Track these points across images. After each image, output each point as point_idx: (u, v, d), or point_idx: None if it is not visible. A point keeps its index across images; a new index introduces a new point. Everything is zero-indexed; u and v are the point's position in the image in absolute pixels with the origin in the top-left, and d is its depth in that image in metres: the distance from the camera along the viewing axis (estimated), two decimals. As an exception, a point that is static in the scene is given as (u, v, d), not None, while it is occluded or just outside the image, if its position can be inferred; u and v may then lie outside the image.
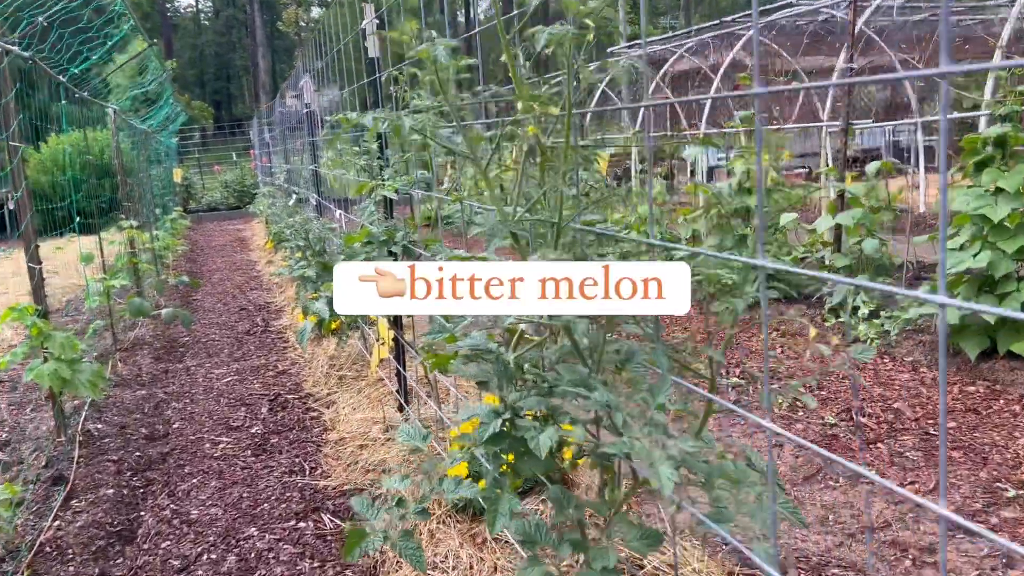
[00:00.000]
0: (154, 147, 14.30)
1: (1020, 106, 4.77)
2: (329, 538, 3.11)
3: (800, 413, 4.14)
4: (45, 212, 6.17)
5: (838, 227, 6.15)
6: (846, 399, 4.29)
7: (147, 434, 4.42)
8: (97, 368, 4.01)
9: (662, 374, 1.38)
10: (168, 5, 46.67)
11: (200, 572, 2.93)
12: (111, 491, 3.66)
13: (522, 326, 1.73)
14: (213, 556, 3.04)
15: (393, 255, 3.33)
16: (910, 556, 2.78)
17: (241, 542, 3.12)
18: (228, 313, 7.82)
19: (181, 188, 20.45)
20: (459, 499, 2.65)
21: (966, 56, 11.21)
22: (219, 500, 3.52)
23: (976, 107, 9.73)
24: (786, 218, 6.38)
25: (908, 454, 3.60)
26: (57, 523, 3.33)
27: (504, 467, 1.70)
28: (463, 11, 37.68)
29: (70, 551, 3.11)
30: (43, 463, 3.93)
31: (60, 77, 5.64)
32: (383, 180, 3.53)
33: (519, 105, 1.35)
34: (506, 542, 2.70)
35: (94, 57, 5.90)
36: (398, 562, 2.73)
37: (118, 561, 3.06)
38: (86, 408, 4.67)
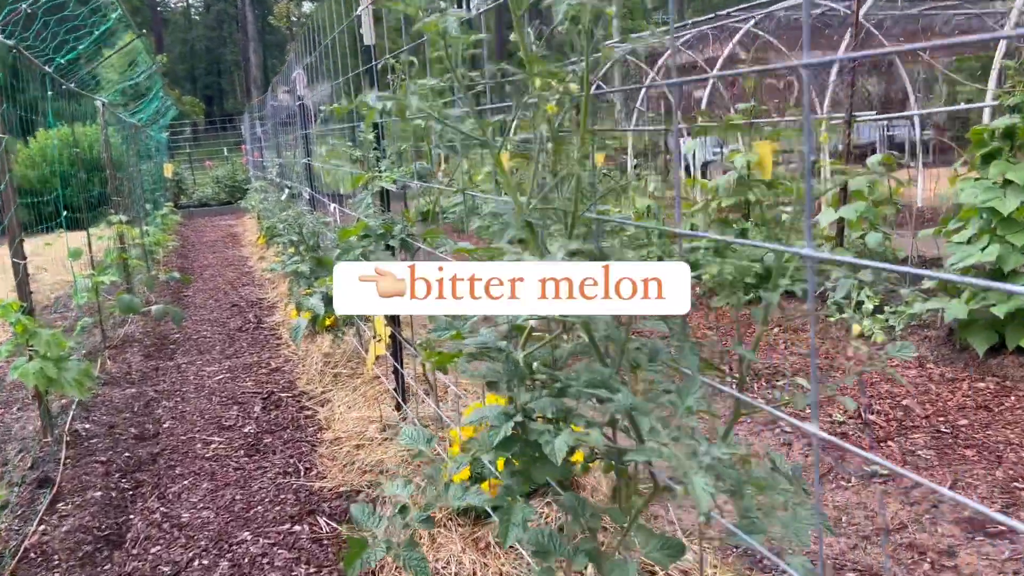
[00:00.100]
0: (144, 142, 14.13)
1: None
2: (325, 542, 3.00)
3: (805, 411, 4.05)
4: (32, 207, 6.03)
5: (840, 221, 6.06)
6: (854, 396, 4.20)
7: (137, 434, 4.29)
8: (84, 366, 3.89)
9: (691, 374, 1.28)
10: (158, 0, 46.31)
11: (191, 579, 2.82)
12: (99, 493, 3.53)
13: (532, 322, 1.63)
14: (205, 562, 2.93)
15: (391, 249, 3.22)
16: (928, 559, 2.69)
17: (234, 547, 3.01)
18: (220, 309, 7.68)
19: (172, 183, 20.26)
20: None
21: (966, 50, 11.14)
22: (211, 502, 3.40)
23: (970, 100, 9.66)
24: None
25: (920, 452, 3.51)
26: (42, 527, 3.21)
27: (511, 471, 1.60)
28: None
29: (56, 557, 2.99)
30: (29, 464, 3.81)
31: (46, 68, 5.49)
32: (380, 171, 3.41)
33: (535, 83, 1.24)
34: (511, 547, 2.60)
35: (81, 47, 5.76)
36: (397, 568, 2.63)
37: (106, 567, 2.94)
38: (74, 407, 4.54)
